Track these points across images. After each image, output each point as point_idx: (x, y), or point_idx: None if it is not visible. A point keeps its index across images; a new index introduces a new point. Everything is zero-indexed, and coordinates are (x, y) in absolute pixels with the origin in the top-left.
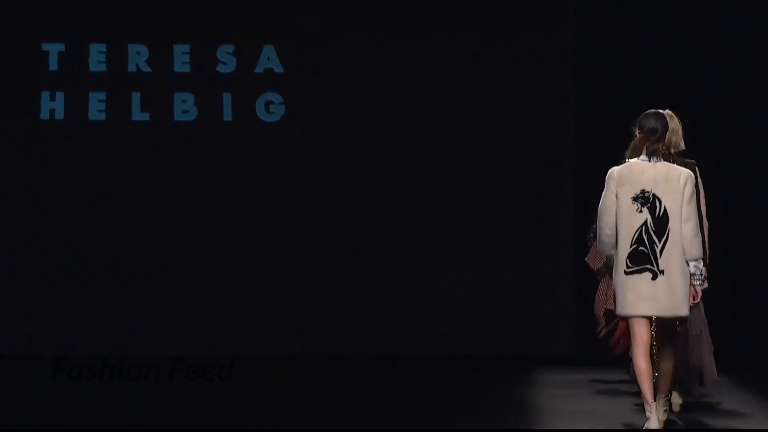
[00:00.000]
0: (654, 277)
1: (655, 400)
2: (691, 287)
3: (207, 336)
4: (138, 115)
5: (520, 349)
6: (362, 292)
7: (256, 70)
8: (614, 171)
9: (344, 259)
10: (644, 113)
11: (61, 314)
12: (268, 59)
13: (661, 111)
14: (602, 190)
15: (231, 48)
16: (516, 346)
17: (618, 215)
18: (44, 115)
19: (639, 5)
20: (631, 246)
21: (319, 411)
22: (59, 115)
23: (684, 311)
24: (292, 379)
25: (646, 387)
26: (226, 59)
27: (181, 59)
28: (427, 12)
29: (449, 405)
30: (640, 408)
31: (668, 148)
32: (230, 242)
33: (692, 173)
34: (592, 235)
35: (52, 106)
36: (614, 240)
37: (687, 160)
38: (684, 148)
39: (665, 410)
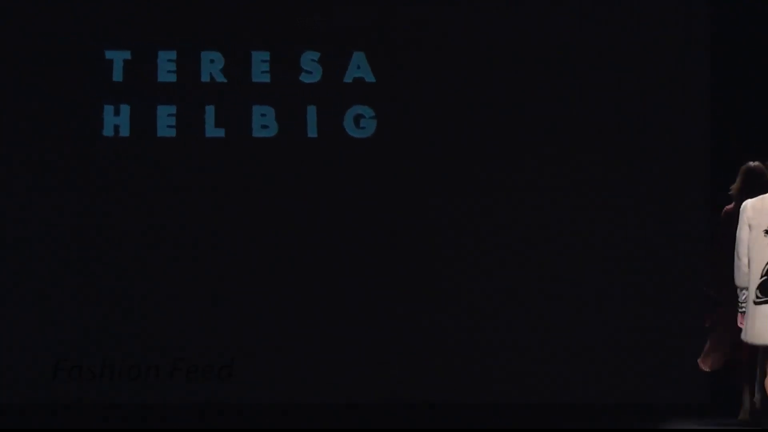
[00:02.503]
0: None
1: None
2: None
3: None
4: (212, 131)
5: (646, 397)
6: (469, 332)
7: (344, 80)
8: (748, 204)
9: (439, 286)
10: None
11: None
12: (358, 68)
13: None
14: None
15: (316, 55)
16: (641, 394)
17: (750, 247)
18: (108, 131)
19: None
20: (761, 277)
21: None
22: (124, 131)
23: None
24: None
25: None
26: (310, 68)
27: (261, 68)
28: (535, 13)
29: None
30: None
31: None
32: (315, 268)
33: None
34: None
35: (117, 121)
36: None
37: None
38: None
39: None
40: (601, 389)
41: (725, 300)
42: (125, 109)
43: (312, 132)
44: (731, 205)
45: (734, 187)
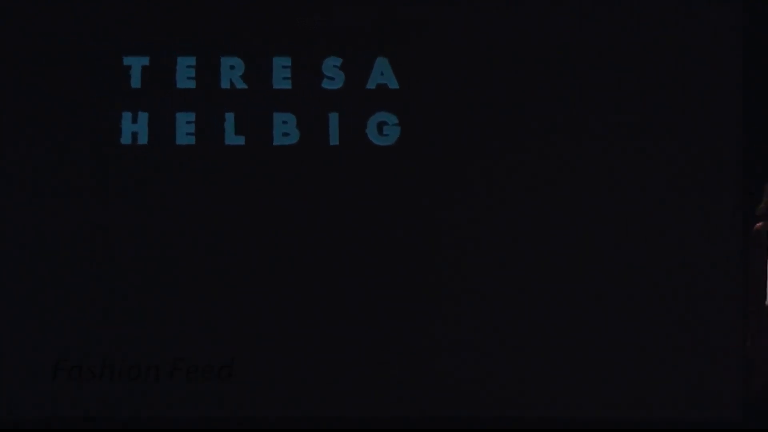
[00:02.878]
0: None
1: None
2: None
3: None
4: (232, 138)
5: (673, 414)
6: (491, 343)
7: (367, 87)
8: None
9: (464, 295)
10: None
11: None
12: (382, 74)
13: None
14: None
15: (338, 61)
16: (667, 410)
17: None
18: (125, 139)
19: None
20: None
21: None
22: (142, 139)
23: None
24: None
25: None
26: (332, 74)
27: (282, 74)
28: (565, 13)
29: None
30: None
31: None
32: (337, 277)
33: None
34: None
35: (135, 128)
36: None
37: None
38: None
39: None
40: (627, 404)
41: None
42: (143, 116)
43: (334, 140)
44: (760, 224)
45: (761, 207)
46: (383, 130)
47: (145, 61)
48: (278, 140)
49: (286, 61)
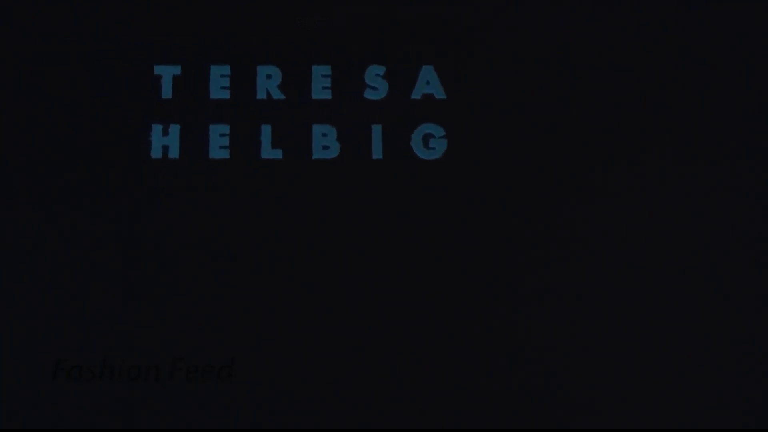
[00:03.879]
0: None
1: None
2: None
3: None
4: (268, 152)
5: (736, 423)
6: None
7: (412, 97)
8: None
9: (517, 321)
10: None
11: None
12: (428, 83)
13: None
14: None
15: (381, 70)
16: (730, 420)
17: None
18: (156, 152)
19: None
20: None
21: None
22: (173, 152)
23: None
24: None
25: None
26: (375, 83)
27: (321, 84)
28: (640, 16)
29: None
30: None
31: None
32: (372, 296)
33: None
34: None
35: (165, 141)
36: None
37: None
38: None
39: None
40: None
41: None
42: (175, 128)
43: (377, 153)
44: None
45: None
46: (429, 142)
47: (177, 70)
48: (317, 154)
49: (326, 70)
